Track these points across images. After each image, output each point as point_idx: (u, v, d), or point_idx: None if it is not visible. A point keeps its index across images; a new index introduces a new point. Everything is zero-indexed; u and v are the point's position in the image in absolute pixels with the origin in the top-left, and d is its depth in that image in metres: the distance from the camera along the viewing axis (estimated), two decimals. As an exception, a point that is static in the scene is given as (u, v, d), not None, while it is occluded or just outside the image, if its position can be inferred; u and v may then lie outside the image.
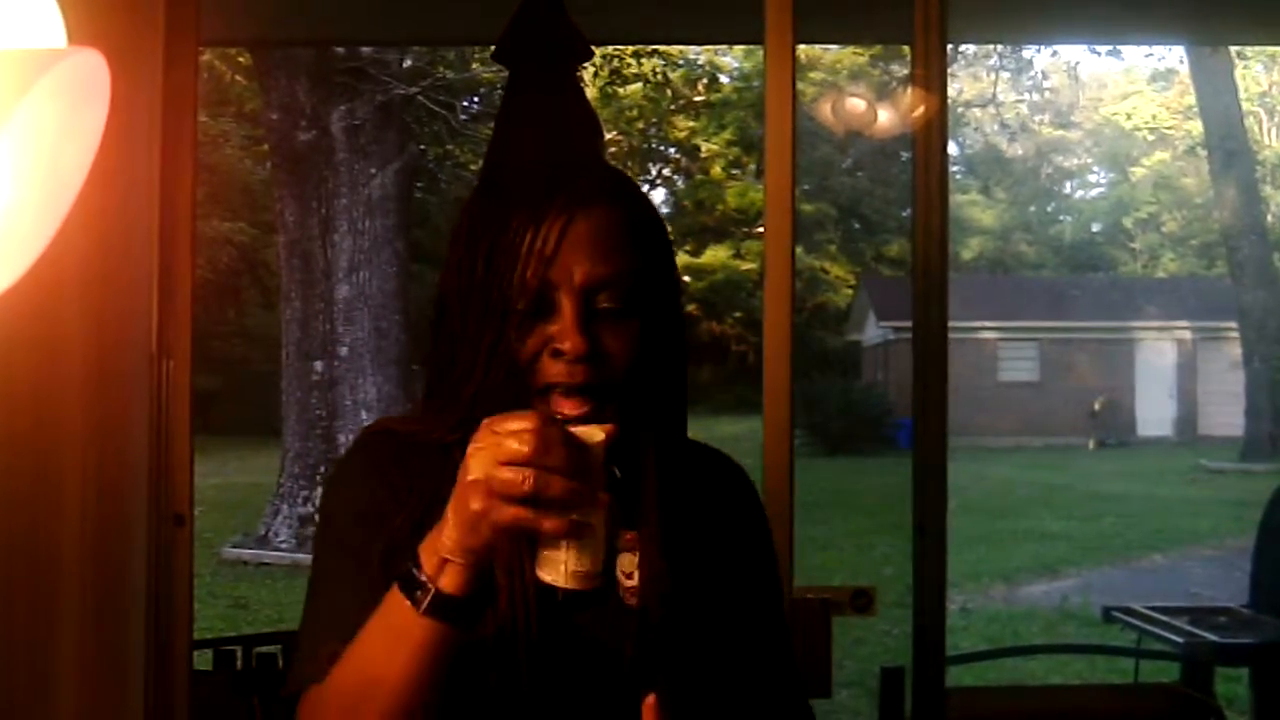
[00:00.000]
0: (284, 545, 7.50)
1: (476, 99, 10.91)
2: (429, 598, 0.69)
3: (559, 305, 0.76)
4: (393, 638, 0.70)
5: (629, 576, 0.79)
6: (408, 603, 0.69)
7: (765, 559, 0.87)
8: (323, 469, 7.63)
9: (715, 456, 0.88)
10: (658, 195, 16.86)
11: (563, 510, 0.66)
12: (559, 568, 0.68)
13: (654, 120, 15.16)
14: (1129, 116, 23.45)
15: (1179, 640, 2.90)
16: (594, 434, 0.68)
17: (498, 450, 0.66)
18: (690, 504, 0.81)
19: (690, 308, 14.19)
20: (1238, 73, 15.66)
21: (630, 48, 9.32)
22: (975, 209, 22.94)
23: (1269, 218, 16.48)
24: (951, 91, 4.68)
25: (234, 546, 7.56)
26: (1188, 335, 17.88)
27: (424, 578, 0.69)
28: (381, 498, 0.79)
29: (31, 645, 1.44)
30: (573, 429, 0.68)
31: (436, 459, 0.79)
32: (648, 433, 0.79)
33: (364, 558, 0.77)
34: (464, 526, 0.68)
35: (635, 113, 14.17)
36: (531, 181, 0.79)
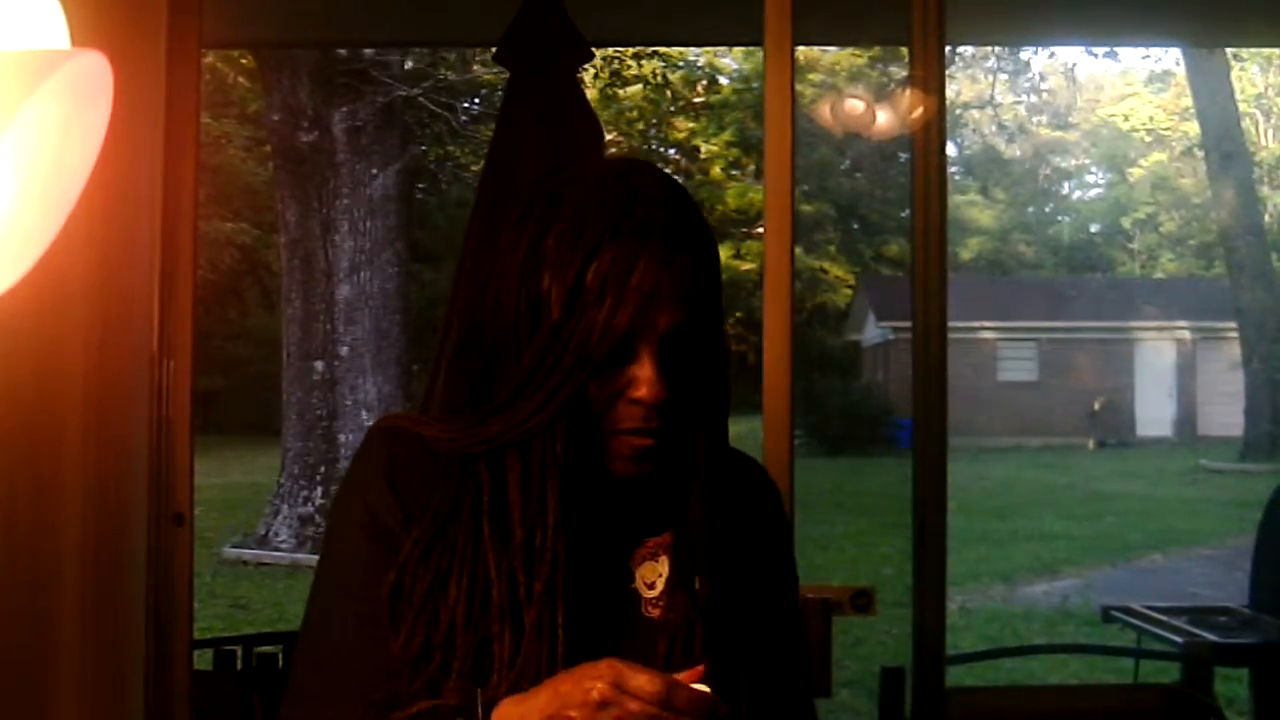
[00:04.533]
0: (284, 545, 7.50)
1: (477, 100, 10.92)
2: None
3: (637, 352, 0.73)
4: None
5: (650, 586, 0.77)
6: None
7: (786, 573, 0.86)
8: (323, 469, 7.63)
9: (747, 464, 0.87)
10: (657, 196, 16.75)
11: None
12: None
13: (654, 121, 15.16)
14: (1126, 118, 23.47)
15: (1178, 640, 2.90)
16: (701, 686, 0.66)
17: (585, 696, 0.64)
18: (716, 512, 0.79)
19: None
20: (1234, 75, 15.66)
21: (630, 49, 9.32)
22: (974, 209, 22.95)
23: (1266, 218, 16.49)
24: (950, 93, 4.66)
25: (234, 546, 7.56)
26: (1187, 335, 17.89)
27: None
28: (393, 511, 0.76)
29: (32, 645, 1.44)
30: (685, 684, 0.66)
31: (455, 469, 0.76)
32: (693, 448, 0.77)
33: (370, 585, 0.75)
34: None
35: (635, 114, 14.17)
36: (611, 215, 0.74)
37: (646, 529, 0.79)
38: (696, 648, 0.75)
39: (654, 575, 0.77)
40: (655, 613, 0.77)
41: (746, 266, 15.77)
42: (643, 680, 0.64)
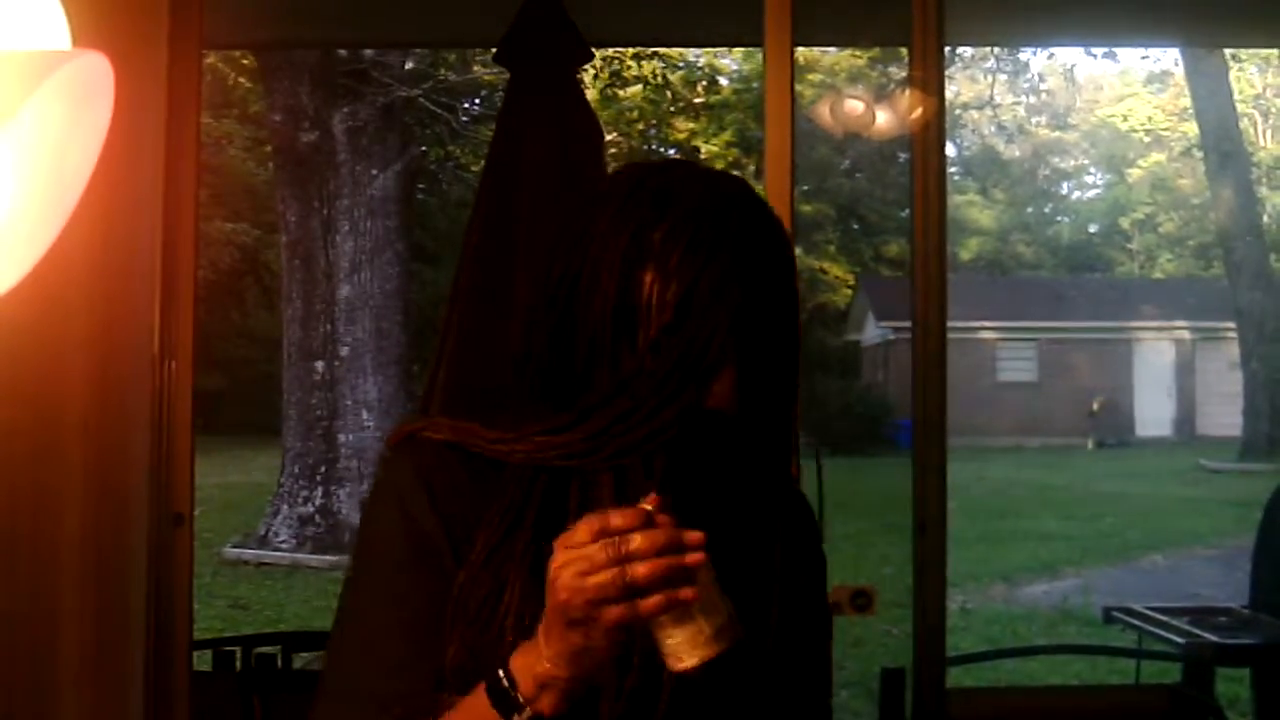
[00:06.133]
0: (284, 545, 7.50)
1: (478, 101, 10.92)
2: (525, 718, 0.67)
3: (716, 356, 0.72)
4: None
5: None
6: (499, 717, 0.68)
7: (820, 596, 0.86)
8: (323, 469, 7.63)
9: (789, 491, 0.86)
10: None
11: (662, 589, 0.64)
12: (689, 646, 0.65)
13: (654, 122, 15.16)
14: (1125, 118, 23.49)
15: (1179, 640, 2.90)
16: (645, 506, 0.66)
17: (578, 564, 0.64)
18: (762, 540, 0.79)
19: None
20: (1232, 75, 15.66)
21: (630, 50, 9.32)
22: (973, 210, 22.95)
23: (1265, 218, 16.49)
24: (949, 93, 4.65)
25: (234, 546, 7.56)
26: (1186, 335, 17.90)
27: (521, 698, 0.67)
28: (432, 519, 0.74)
29: (32, 645, 1.44)
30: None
31: (513, 476, 0.75)
32: (753, 472, 0.77)
33: (411, 593, 0.74)
34: (565, 649, 0.66)
35: (635, 114, 14.16)
36: (723, 223, 0.74)
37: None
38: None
39: None
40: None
41: (746, 267, 15.74)
42: (620, 520, 0.64)
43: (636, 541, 0.64)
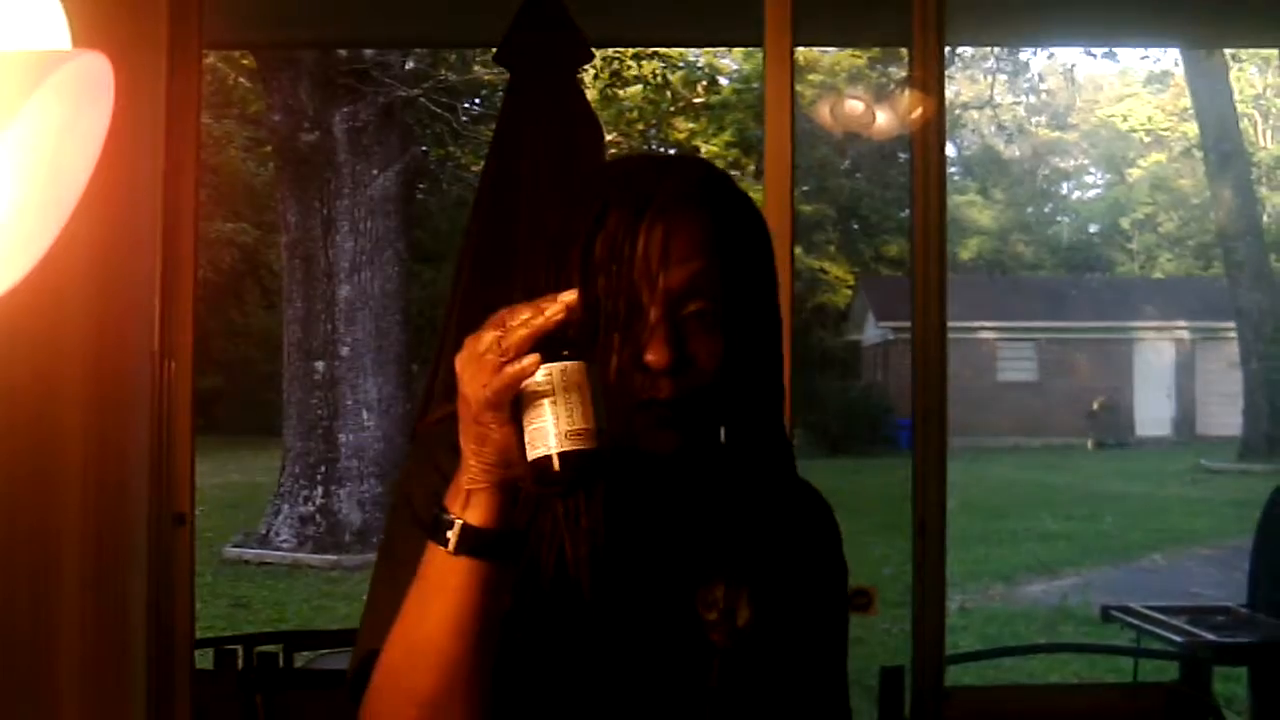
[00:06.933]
0: (285, 545, 7.50)
1: (478, 101, 10.92)
2: (457, 533, 0.66)
3: (648, 317, 0.72)
4: (431, 590, 0.67)
5: (709, 609, 0.77)
6: (441, 550, 0.67)
7: (839, 603, 0.85)
8: (323, 469, 7.63)
9: (809, 495, 0.86)
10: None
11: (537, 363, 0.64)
12: (547, 437, 0.64)
13: (654, 122, 15.16)
14: (1125, 118, 23.47)
15: (1177, 639, 2.90)
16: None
17: (472, 353, 0.65)
18: (779, 540, 0.79)
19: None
20: (1232, 75, 15.66)
21: (630, 50, 9.32)
22: (973, 210, 22.94)
23: (1265, 218, 16.50)
24: (949, 93, 4.68)
25: (235, 546, 7.56)
26: (1186, 335, 17.90)
27: (450, 516, 0.67)
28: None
29: (33, 645, 1.44)
30: None
31: None
32: (749, 464, 0.77)
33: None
34: (471, 441, 0.66)
35: (635, 114, 14.16)
36: (618, 185, 0.75)
37: (708, 551, 0.78)
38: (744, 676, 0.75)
39: (712, 599, 0.77)
40: (716, 637, 0.76)
41: (746, 267, 15.71)
42: (522, 313, 0.65)
43: (517, 322, 0.65)
